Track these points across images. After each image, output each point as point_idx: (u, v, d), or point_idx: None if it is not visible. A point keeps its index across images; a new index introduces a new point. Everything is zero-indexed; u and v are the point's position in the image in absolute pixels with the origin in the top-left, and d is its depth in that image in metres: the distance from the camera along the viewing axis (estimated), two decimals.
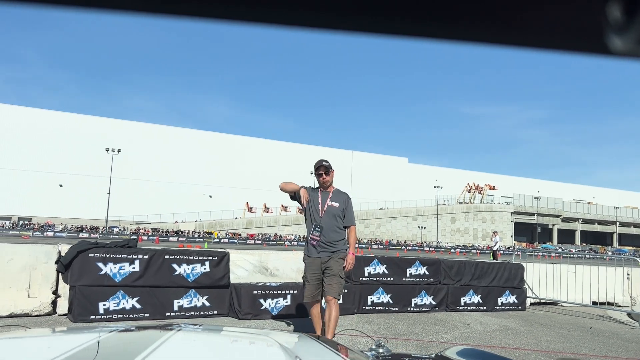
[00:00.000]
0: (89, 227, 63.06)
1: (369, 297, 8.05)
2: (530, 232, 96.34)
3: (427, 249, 72.12)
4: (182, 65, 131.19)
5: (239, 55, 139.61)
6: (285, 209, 78.09)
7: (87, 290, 6.14)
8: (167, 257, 6.70)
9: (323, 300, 5.08)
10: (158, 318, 6.44)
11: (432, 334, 6.49)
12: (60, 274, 6.41)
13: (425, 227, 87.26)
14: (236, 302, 6.91)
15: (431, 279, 8.63)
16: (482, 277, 9.05)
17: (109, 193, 64.83)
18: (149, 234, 62.14)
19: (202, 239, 59.49)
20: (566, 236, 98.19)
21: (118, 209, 69.68)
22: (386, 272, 8.30)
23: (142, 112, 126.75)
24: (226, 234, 67.91)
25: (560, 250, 67.49)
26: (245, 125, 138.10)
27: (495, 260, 12.89)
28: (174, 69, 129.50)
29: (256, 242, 64.39)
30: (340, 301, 5.01)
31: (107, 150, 66.13)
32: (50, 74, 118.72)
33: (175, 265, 6.71)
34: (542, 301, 9.98)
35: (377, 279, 8.21)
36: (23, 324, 5.81)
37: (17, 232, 55.78)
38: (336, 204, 5.07)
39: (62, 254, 6.47)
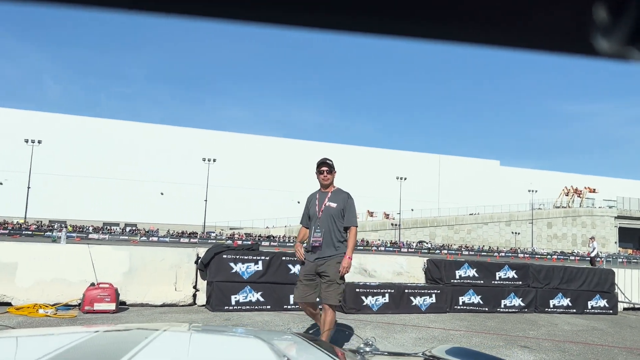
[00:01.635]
0: (188, 233, 67.62)
1: (460, 297, 8.78)
2: (638, 238, 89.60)
3: (522, 255, 69.50)
4: (271, 74, 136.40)
5: (324, 61, 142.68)
6: (371, 214, 78.90)
7: (222, 285, 7.49)
8: (283, 258, 7.93)
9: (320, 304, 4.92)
10: (278, 310, 7.65)
11: (519, 330, 7.14)
12: (199, 271, 7.83)
13: (519, 233, 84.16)
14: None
15: (520, 282, 9.19)
16: (571, 281, 9.44)
17: (205, 200, 69.36)
18: (243, 238, 65.52)
19: (292, 244, 61.80)
20: None
21: (214, 215, 74.05)
22: (476, 275, 8.99)
23: (236, 121, 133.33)
24: None
25: None
26: (331, 132, 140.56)
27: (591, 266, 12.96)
28: (264, 79, 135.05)
29: None
30: (338, 303, 4.75)
31: (204, 160, 70.78)
32: (151, 88, 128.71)
33: (290, 265, 7.91)
34: (635, 306, 10.12)
35: (468, 281, 8.91)
36: (172, 312, 7.26)
37: (127, 238, 61.01)
38: (334, 204, 4.78)
39: (200, 255, 7.89)
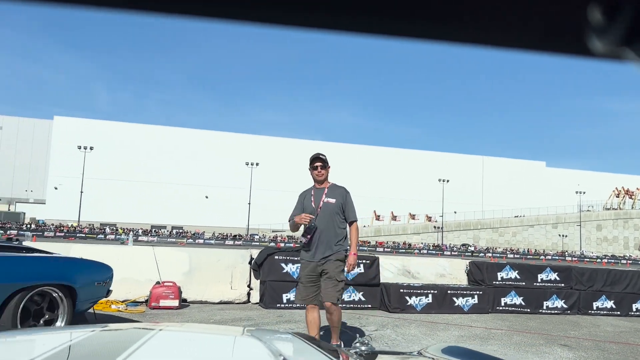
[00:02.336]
0: (232, 235, 69.16)
1: (502, 298, 9.02)
2: None
3: (569, 258, 67.61)
4: (307, 77, 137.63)
5: (362, 64, 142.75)
6: (413, 217, 78.49)
7: (274, 284, 8.03)
8: None
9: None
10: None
11: (560, 330, 7.35)
12: (253, 271, 8.40)
13: (566, 236, 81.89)
14: (386, 298, 8.37)
15: (562, 284, 9.33)
16: (615, 283, 9.50)
17: (249, 203, 70.77)
18: (285, 241, 66.45)
19: None
20: None
21: (257, 217, 75.42)
22: (518, 277, 9.20)
23: (272, 125, 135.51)
24: None
25: None
26: (370, 134, 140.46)
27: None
28: (299, 82, 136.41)
29: (385, 249, 65.64)
30: (340, 304, 4.65)
31: (247, 164, 72.28)
32: (191, 95, 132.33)
33: None
34: None
35: (510, 283, 9.14)
36: (228, 309, 7.84)
37: (174, 240, 62.97)
38: (332, 200, 4.60)
39: (253, 256, 8.47)
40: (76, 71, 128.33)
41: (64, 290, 4.65)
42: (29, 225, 62.70)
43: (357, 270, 8.45)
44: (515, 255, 67.63)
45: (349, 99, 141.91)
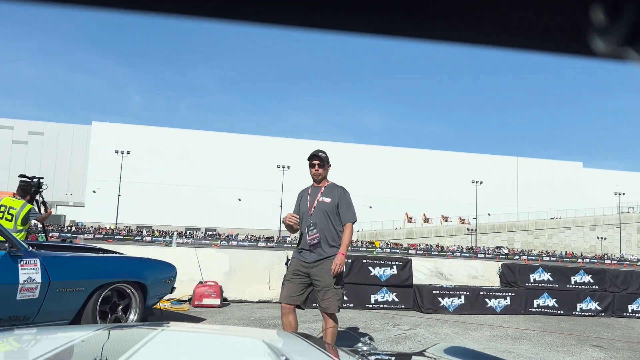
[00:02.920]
0: (265, 237, 69.98)
1: (535, 300, 9.10)
2: None
3: (609, 262, 65.79)
4: (337, 80, 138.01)
5: (393, 65, 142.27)
6: (445, 219, 77.80)
7: None
8: (364, 261, 8.67)
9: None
10: (360, 308, 8.40)
11: (593, 332, 7.43)
12: None
13: (605, 238, 79.78)
14: (419, 299, 8.58)
15: (596, 287, 9.35)
16: None
17: (281, 206, 71.40)
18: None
19: (364, 249, 62.36)
20: None
21: None
22: (551, 279, 9.27)
23: (303, 128, 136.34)
24: (387, 244, 70.00)
25: None
26: (400, 136, 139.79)
27: None
28: (329, 84, 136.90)
29: (417, 252, 65.31)
30: (338, 312, 4.25)
31: (278, 167, 73.10)
32: (223, 98, 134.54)
33: (370, 268, 8.64)
34: None
35: (542, 285, 9.21)
36: (267, 307, 8.20)
37: (208, 242, 64.11)
38: (327, 199, 4.32)
39: (290, 258, 8.79)
40: (112, 77, 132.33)
41: (135, 286, 5.12)
42: (69, 228, 64.96)
43: (390, 272, 8.69)
44: (552, 258, 66.28)
45: (380, 100, 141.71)
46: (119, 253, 6.07)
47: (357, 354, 1.79)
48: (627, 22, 0.41)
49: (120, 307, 5.12)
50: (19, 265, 4.19)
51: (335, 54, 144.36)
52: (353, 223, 4.37)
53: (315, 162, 4.35)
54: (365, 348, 1.93)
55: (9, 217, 7.27)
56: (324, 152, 4.44)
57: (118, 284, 5.01)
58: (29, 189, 7.55)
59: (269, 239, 68.86)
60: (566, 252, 75.27)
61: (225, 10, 0.42)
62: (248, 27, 0.44)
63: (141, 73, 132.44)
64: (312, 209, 4.31)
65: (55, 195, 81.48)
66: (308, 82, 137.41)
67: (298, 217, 4.30)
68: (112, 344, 1.51)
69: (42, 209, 8.11)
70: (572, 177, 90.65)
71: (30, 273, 4.21)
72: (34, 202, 7.83)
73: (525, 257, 65.23)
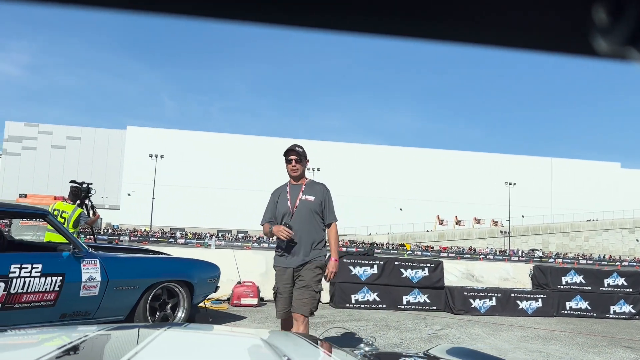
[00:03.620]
0: None
1: (567, 302, 9.14)
2: None
3: None
4: (365, 81, 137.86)
5: (424, 65, 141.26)
6: (478, 221, 76.76)
7: (343, 286, 8.62)
8: (396, 263, 8.89)
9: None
10: (392, 309, 8.62)
11: (626, 334, 7.47)
12: None
13: None
14: (450, 300, 8.74)
15: (630, 290, 9.33)
16: None
17: None
18: (347, 245, 67.04)
19: (395, 251, 62.15)
20: None
21: None
22: (583, 281, 9.29)
23: (333, 130, 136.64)
24: (418, 246, 69.59)
25: None
26: (431, 137, 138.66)
27: None
28: (359, 87, 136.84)
29: (449, 255, 64.69)
30: (312, 315, 4.01)
31: (308, 169, 73.36)
32: (254, 102, 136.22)
33: (402, 270, 8.85)
34: None
35: (575, 287, 9.25)
36: None
37: (240, 244, 65.02)
38: (311, 197, 4.02)
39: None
40: (146, 82, 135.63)
41: (183, 285, 5.51)
42: (105, 230, 66.87)
43: (421, 274, 8.89)
44: (588, 262, 64.64)
45: (410, 101, 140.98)
46: (166, 254, 6.48)
47: (359, 354, 1.78)
48: (629, 22, 0.41)
49: (169, 305, 5.50)
50: (82, 265, 4.60)
51: (364, 55, 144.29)
52: (336, 222, 4.16)
53: (292, 157, 4.06)
54: (367, 349, 1.93)
55: (62, 220, 7.78)
56: (301, 147, 4.15)
57: (168, 283, 5.40)
58: (79, 193, 8.06)
59: None
60: (604, 255, 73.33)
61: (237, 11, 0.43)
62: (267, 29, 0.46)
63: (174, 78, 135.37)
64: (294, 209, 4.00)
65: (91, 198, 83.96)
66: (337, 84, 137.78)
67: (292, 232, 3.86)
68: (115, 344, 1.54)
69: (91, 212, 8.62)
70: (610, 178, 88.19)
71: (91, 272, 4.62)
72: (84, 206, 8.33)
73: (560, 260, 63.84)
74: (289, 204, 4.04)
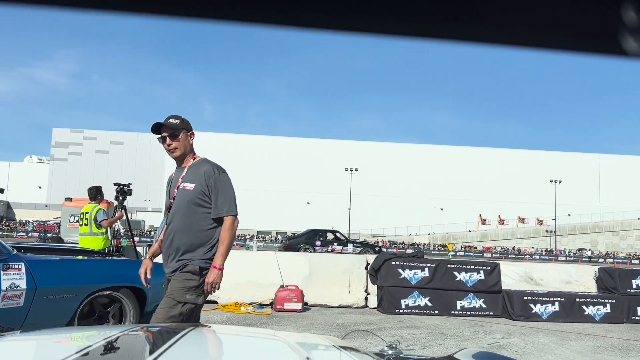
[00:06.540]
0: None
1: (638, 308, 8.34)
2: None
3: None
4: (404, 81, 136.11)
5: (463, 64, 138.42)
6: (522, 220, 74.41)
7: (392, 290, 8.10)
8: (449, 266, 8.31)
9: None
10: (446, 315, 8.04)
11: None
12: (369, 276, 8.54)
13: None
14: (509, 305, 8.09)
15: None
16: None
17: (349, 208, 71.32)
18: (387, 246, 66.14)
19: (437, 252, 60.86)
20: None
21: (357, 222, 75.82)
22: None
23: (370, 130, 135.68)
24: (461, 247, 67.99)
25: None
26: (473, 135, 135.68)
27: None
28: (396, 86, 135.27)
29: (493, 255, 62.87)
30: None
31: (346, 169, 73.00)
32: (291, 104, 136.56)
33: (456, 273, 8.26)
34: None
35: None
36: (348, 312, 8.03)
37: (279, 245, 65.16)
38: (190, 185, 3.09)
39: (369, 262, 8.60)
40: (186, 87, 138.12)
41: (132, 292, 4.81)
42: (148, 232, 68.20)
43: (476, 277, 8.28)
44: None
45: (449, 99, 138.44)
46: (120, 255, 5.74)
47: (383, 358, 1.74)
48: None
49: (111, 314, 4.64)
50: (1, 270, 3.80)
51: (403, 56, 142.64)
52: (234, 216, 3.14)
53: (164, 133, 3.14)
54: (391, 352, 1.88)
55: (85, 221, 7.58)
56: (179, 117, 3.23)
57: (111, 290, 4.55)
58: (94, 192, 7.75)
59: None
60: None
61: (244, 13, 0.43)
62: (290, 31, 0.44)
63: (213, 83, 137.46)
64: (172, 201, 3.16)
65: (134, 202, 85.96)
66: (373, 84, 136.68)
67: (148, 275, 3.07)
68: (137, 346, 1.54)
69: (117, 213, 8.19)
70: None
71: (13, 279, 3.84)
72: (120, 208, 8.06)
73: (611, 260, 61.09)
74: (168, 196, 3.23)
